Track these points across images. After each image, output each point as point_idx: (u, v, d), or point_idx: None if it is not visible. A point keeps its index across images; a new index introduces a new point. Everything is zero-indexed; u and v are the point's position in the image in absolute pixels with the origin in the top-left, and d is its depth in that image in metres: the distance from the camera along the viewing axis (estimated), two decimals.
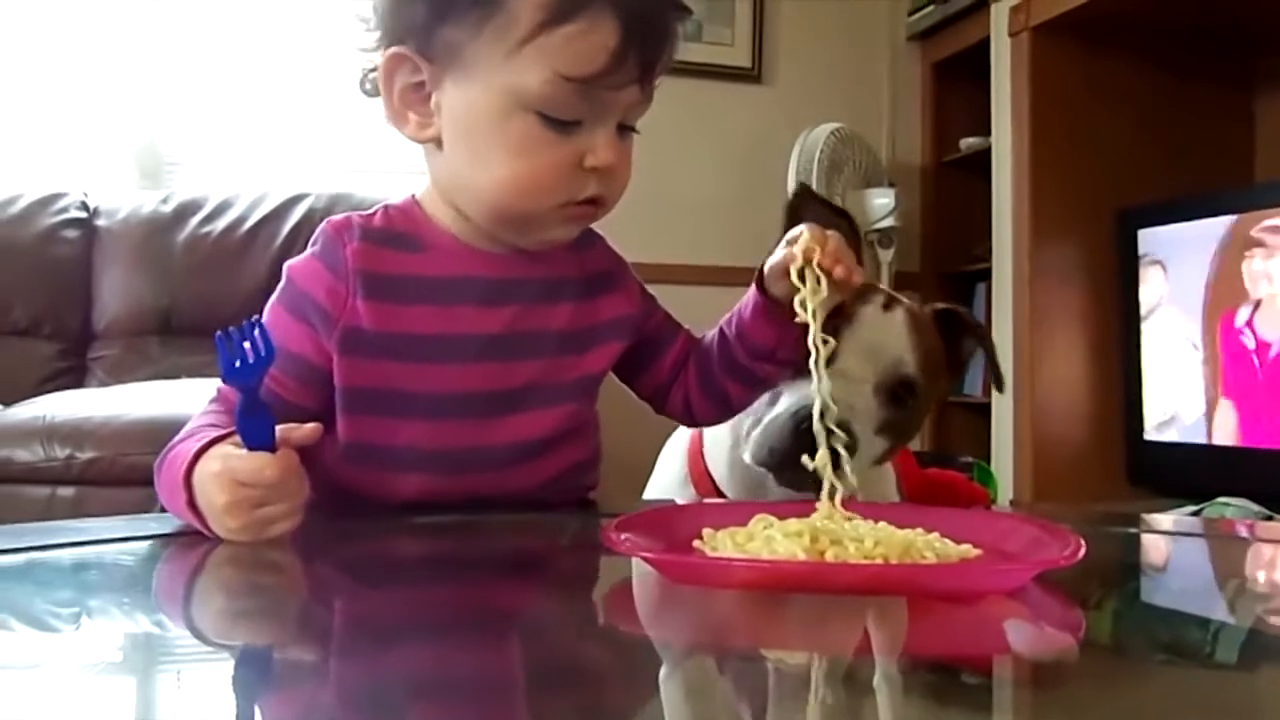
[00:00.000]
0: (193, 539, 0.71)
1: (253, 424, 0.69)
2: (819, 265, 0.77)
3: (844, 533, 0.64)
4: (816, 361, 0.72)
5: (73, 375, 2.36)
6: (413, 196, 0.89)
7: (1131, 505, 2.38)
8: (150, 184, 2.66)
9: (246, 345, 0.70)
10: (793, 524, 0.65)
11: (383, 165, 2.57)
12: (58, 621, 0.58)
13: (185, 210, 2.47)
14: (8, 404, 1.90)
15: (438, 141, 0.82)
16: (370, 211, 0.87)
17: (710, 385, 0.94)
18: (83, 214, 2.47)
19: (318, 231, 0.85)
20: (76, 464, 1.66)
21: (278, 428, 0.70)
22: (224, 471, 0.68)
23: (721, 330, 0.93)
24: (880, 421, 0.99)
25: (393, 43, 0.80)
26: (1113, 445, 2.60)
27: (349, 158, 2.69)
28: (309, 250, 0.85)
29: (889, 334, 1.00)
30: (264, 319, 0.79)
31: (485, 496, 0.86)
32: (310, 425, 0.72)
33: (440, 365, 0.84)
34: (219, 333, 0.69)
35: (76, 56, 2.61)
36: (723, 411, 0.97)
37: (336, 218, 0.86)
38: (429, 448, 0.85)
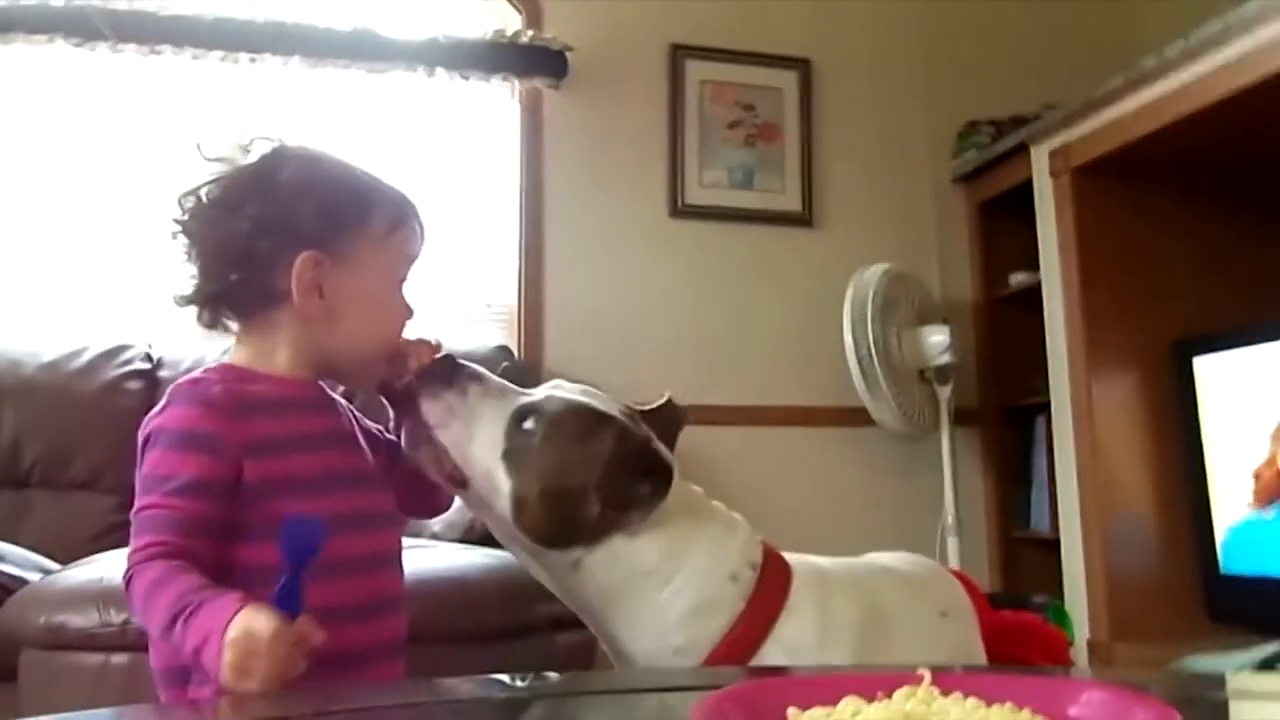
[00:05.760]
0: None
1: (287, 595, 0.88)
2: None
3: (934, 716, 0.61)
4: None
5: (128, 529, 2.32)
6: (224, 365, 1.11)
7: (1212, 643, 2.26)
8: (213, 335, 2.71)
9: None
10: (881, 709, 0.62)
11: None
12: None
13: None
14: (63, 562, 1.87)
15: (323, 316, 1.08)
16: (203, 372, 1.09)
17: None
18: (146, 365, 2.51)
19: (170, 392, 1.06)
20: (132, 630, 1.54)
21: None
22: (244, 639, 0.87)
23: None
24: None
25: (300, 249, 1.06)
26: (1188, 579, 2.50)
27: None
28: (167, 408, 1.04)
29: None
30: (147, 471, 1.01)
31: (370, 553, 1.08)
32: (320, 635, 0.91)
33: (315, 454, 1.08)
34: (292, 516, 0.91)
35: (141, 210, 2.69)
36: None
37: (182, 380, 1.07)
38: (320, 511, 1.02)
